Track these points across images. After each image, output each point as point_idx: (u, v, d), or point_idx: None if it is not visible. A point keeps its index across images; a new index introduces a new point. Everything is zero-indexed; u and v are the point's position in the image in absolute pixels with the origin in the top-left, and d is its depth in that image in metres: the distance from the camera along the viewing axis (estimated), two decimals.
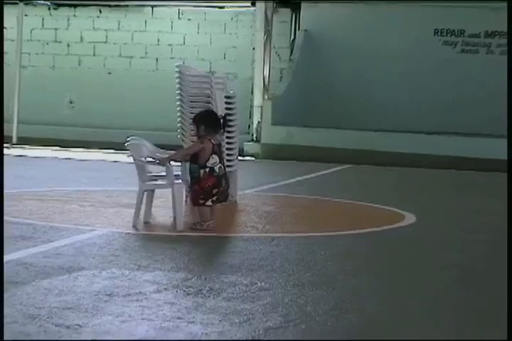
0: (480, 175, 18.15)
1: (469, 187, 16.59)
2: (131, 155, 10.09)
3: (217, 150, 9.42)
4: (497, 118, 20.63)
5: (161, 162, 9.63)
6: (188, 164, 9.56)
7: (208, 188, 9.18)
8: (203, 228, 9.09)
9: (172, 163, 9.60)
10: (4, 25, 23.93)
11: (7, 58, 23.20)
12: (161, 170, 10.03)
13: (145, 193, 9.77)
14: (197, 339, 4.93)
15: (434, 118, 21.51)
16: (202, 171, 9.14)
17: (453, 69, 22.42)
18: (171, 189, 9.63)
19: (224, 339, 4.97)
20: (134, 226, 9.55)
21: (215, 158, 9.24)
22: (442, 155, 19.34)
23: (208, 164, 9.17)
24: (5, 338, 4.51)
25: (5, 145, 20.33)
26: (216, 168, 9.25)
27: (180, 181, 9.60)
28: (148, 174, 9.78)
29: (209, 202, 9.31)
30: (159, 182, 9.90)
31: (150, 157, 9.88)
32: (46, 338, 4.79)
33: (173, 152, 10.32)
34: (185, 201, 10.17)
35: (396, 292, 6.73)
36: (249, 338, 5.00)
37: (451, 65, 22.49)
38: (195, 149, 9.33)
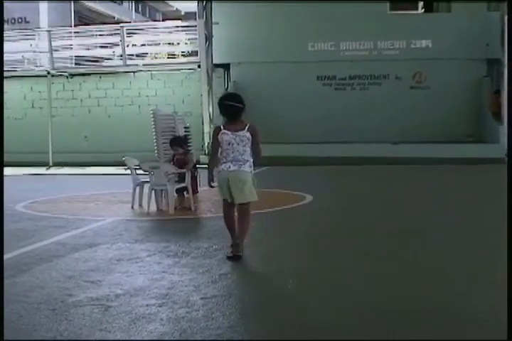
0: (347, 168, 17.73)
1: (345, 175, 16.30)
2: (128, 167, 10.20)
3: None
4: (353, 129, 21.45)
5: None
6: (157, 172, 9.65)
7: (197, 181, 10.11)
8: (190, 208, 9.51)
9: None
10: (38, 90, 23.95)
11: (42, 111, 23.12)
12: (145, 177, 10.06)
13: (137, 188, 9.87)
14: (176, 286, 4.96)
15: (319, 132, 21.59)
16: (196, 172, 10.03)
17: (330, 100, 22.64)
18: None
19: (193, 284, 5.00)
20: (132, 207, 9.78)
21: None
22: (323, 156, 19.22)
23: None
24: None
25: (44, 167, 20.33)
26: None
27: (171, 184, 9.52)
28: (138, 180, 9.82)
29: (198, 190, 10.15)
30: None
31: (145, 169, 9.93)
32: (80, 290, 4.81)
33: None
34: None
35: (297, 243, 6.78)
36: (209, 281, 5.03)
37: (329, 98, 22.75)
38: (194, 162, 9.94)
